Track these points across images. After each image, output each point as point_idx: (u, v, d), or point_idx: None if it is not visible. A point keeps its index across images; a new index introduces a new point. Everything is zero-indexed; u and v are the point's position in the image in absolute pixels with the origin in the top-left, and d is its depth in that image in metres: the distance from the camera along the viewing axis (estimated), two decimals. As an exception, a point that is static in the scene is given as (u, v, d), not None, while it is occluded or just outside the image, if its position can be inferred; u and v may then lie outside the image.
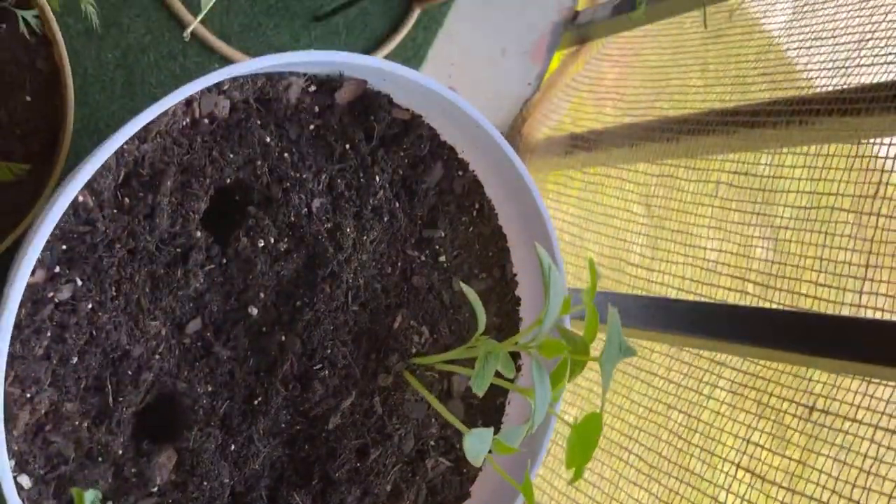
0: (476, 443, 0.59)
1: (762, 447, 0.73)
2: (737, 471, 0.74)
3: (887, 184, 0.72)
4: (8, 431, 0.55)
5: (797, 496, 0.69)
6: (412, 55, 1.17)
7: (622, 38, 1.28)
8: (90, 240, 0.59)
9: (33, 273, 0.56)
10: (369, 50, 1.13)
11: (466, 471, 0.78)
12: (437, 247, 0.78)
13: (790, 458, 0.70)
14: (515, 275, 0.82)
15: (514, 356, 0.79)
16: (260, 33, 1.05)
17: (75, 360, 0.59)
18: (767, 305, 0.79)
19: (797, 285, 0.76)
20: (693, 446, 0.80)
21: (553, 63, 1.32)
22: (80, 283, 0.59)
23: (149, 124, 0.60)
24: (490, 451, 0.61)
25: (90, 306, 0.59)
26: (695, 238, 0.91)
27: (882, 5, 0.86)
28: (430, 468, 0.76)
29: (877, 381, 0.67)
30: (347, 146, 0.72)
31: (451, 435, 0.77)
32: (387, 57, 1.15)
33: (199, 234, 0.64)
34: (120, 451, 0.62)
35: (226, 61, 1.03)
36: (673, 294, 0.91)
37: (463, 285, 0.68)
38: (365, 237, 0.72)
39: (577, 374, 0.66)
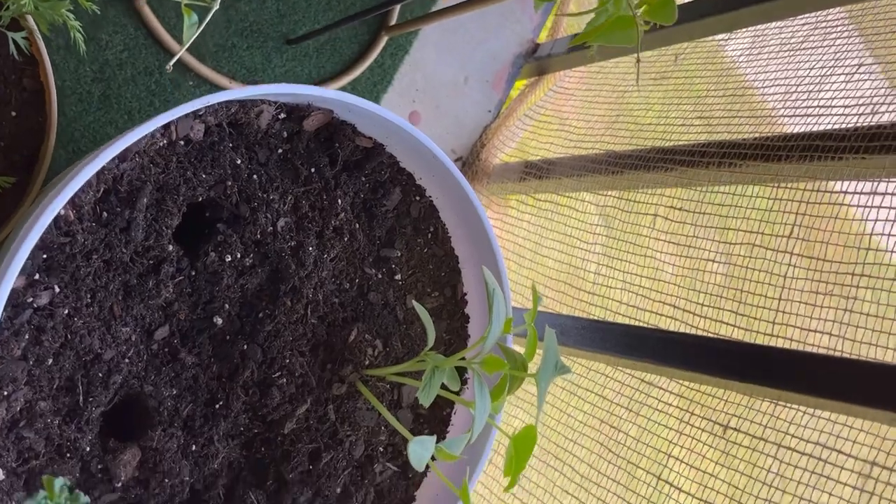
0: (419, 449, 0.65)
1: (681, 461, 0.80)
2: (657, 482, 0.81)
3: (800, 225, 0.80)
4: (-15, 426, 0.60)
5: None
6: (379, 80, 1.23)
7: (578, 72, 1.36)
8: (69, 250, 0.63)
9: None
10: (338, 73, 1.19)
11: (412, 476, 0.84)
12: (394, 266, 0.83)
13: (704, 472, 0.77)
14: (465, 294, 0.89)
15: (461, 371, 0.85)
16: (234, 54, 1.10)
17: (50, 361, 0.63)
18: (692, 331, 0.87)
19: (719, 314, 0.83)
20: (620, 459, 0.87)
21: (512, 92, 1.39)
22: (58, 290, 0.63)
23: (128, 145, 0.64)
24: (434, 458, 0.67)
25: (67, 312, 0.64)
26: (630, 265, 0.98)
27: (807, 61, 0.95)
28: (378, 472, 0.81)
29: (783, 404, 0.75)
30: (313, 170, 0.77)
31: (399, 442, 0.83)
32: (355, 81, 1.21)
33: (170, 247, 0.69)
34: (87, 448, 0.66)
35: (199, 79, 1.08)
36: (611, 317, 0.98)
37: (415, 303, 0.74)
38: (326, 255, 0.77)
39: (516, 389, 0.72)
